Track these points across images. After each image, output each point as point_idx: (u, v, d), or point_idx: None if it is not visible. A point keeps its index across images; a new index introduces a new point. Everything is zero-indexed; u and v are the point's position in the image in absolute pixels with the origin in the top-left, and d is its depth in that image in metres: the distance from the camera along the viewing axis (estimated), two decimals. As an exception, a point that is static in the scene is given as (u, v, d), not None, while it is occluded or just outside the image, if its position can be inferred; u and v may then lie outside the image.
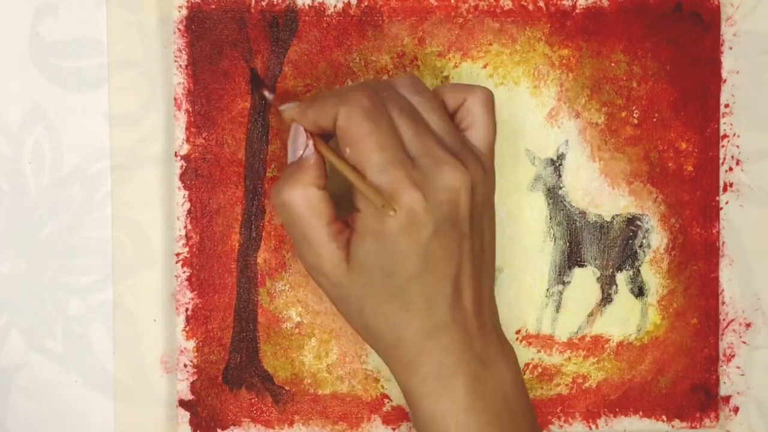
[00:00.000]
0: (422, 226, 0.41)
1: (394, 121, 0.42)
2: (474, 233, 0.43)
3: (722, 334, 0.52)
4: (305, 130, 0.43)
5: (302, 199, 0.42)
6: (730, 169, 0.52)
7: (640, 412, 0.51)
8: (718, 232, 0.51)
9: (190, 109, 0.50)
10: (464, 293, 0.43)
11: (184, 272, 0.50)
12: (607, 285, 0.51)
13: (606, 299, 0.51)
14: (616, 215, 0.51)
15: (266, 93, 0.48)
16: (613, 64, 0.51)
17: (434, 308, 0.42)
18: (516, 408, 0.44)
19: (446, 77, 0.50)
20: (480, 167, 0.43)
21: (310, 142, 0.43)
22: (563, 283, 0.51)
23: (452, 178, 0.41)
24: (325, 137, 0.44)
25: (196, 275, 0.50)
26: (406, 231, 0.41)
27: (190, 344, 0.50)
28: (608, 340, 0.51)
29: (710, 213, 0.51)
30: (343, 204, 0.43)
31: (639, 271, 0.52)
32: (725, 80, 0.51)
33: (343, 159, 0.42)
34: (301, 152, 0.43)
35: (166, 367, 0.50)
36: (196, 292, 0.50)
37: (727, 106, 0.51)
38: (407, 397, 0.44)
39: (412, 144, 0.42)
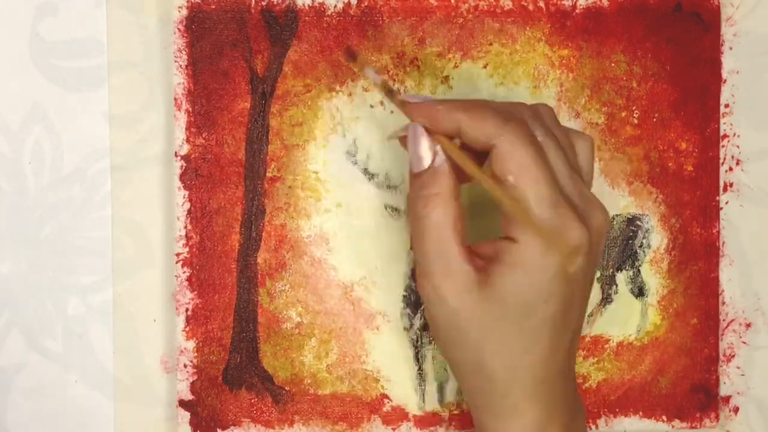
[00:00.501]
0: (578, 266, 0.39)
1: (548, 156, 0.39)
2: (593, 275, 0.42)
3: (722, 334, 0.52)
4: (426, 131, 0.39)
5: (443, 214, 0.39)
6: (730, 169, 0.52)
7: (640, 413, 0.51)
8: (718, 232, 0.51)
9: (190, 109, 0.50)
10: (575, 343, 0.41)
11: (184, 272, 0.50)
12: (607, 285, 0.51)
13: (606, 299, 0.51)
14: (616, 215, 0.51)
15: (371, 73, 0.41)
16: (613, 64, 0.51)
17: (555, 355, 0.40)
18: None
19: (446, 77, 0.50)
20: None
21: (439, 148, 0.39)
22: (563, 283, 0.51)
23: (601, 221, 0.40)
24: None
25: (196, 275, 0.50)
26: (563, 270, 0.38)
27: (190, 344, 0.50)
28: (608, 340, 0.51)
29: (710, 213, 0.51)
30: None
31: (639, 271, 0.52)
32: (725, 80, 0.51)
33: (498, 179, 0.38)
34: (431, 160, 0.39)
35: (166, 367, 0.50)
36: (196, 292, 0.50)
37: (727, 106, 0.51)
38: None
39: (565, 182, 0.39)
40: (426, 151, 0.39)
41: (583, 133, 0.43)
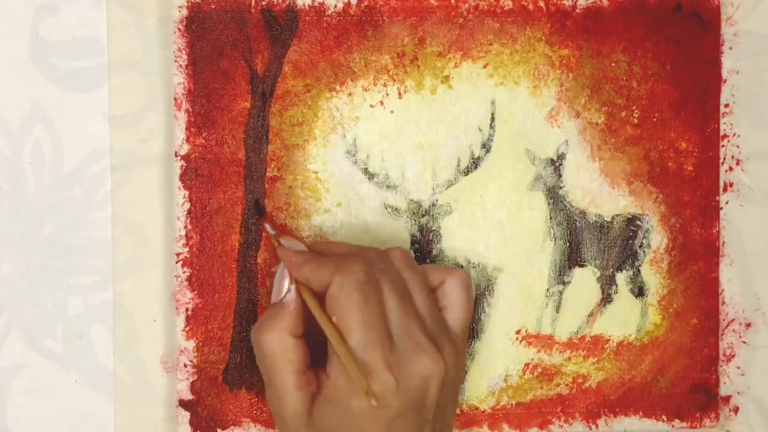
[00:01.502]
0: (388, 408, 0.41)
1: (384, 297, 0.43)
2: (436, 419, 0.43)
3: (722, 334, 0.52)
4: (290, 275, 0.44)
5: (275, 344, 0.43)
6: (730, 169, 0.52)
7: (640, 412, 0.51)
8: (718, 232, 0.51)
9: (190, 109, 0.50)
10: None
11: (184, 272, 0.50)
12: (607, 285, 0.51)
13: (606, 299, 0.51)
14: (616, 215, 0.51)
15: (267, 227, 0.48)
16: (613, 64, 0.51)
17: None
18: None
19: (446, 77, 0.50)
20: (455, 354, 0.44)
21: (293, 287, 0.44)
22: (563, 283, 0.51)
23: (427, 367, 0.42)
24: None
25: (196, 275, 0.50)
26: (371, 411, 0.41)
27: (190, 344, 0.50)
28: (608, 340, 0.51)
29: (710, 213, 0.51)
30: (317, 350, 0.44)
31: (639, 271, 0.52)
32: (725, 80, 0.51)
33: (330, 320, 0.42)
34: (283, 295, 0.44)
35: (166, 367, 0.50)
36: (196, 292, 0.50)
37: (727, 106, 0.51)
38: None
39: (396, 325, 0.42)
40: (283, 289, 0.44)
41: (454, 268, 0.46)
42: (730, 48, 0.51)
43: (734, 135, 0.52)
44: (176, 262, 0.50)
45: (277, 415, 0.44)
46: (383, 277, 0.43)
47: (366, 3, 0.50)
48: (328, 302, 0.43)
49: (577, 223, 0.51)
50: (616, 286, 0.51)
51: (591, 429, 0.51)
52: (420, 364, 0.42)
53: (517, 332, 0.51)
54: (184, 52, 0.49)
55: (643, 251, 0.51)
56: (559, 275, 0.51)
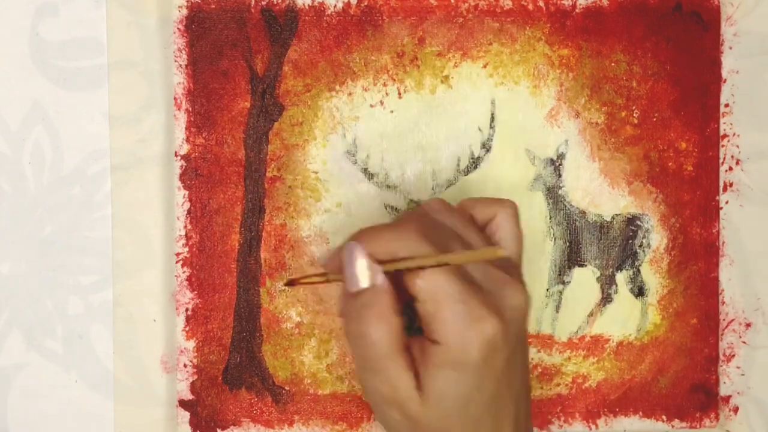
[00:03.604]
0: (500, 351, 0.40)
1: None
2: (528, 347, 0.43)
3: (722, 334, 0.52)
4: (367, 255, 0.41)
5: (384, 328, 0.40)
6: (730, 169, 0.52)
7: (640, 412, 0.51)
8: (718, 232, 0.51)
9: (190, 109, 0.50)
10: (521, 410, 0.42)
11: (184, 272, 0.50)
12: (607, 285, 0.51)
13: (606, 299, 0.51)
14: (616, 215, 0.51)
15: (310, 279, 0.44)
16: (613, 64, 0.51)
17: (501, 429, 0.41)
18: None
19: (446, 77, 0.50)
20: (524, 283, 0.43)
21: (380, 268, 0.41)
22: (563, 283, 0.51)
23: (518, 298, 0.41)
24: None
25: (196, 275, 0.50)
26: (487, 358, 0.40)
27: (190, 344, 0.50)
28: (608, 340, 0.51)
29: (710, 213, 0.51)
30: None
31: (639, 271, 0.52)
32: (725, 80, 0.51)
33: (439, 253, 0.40)
34: (368, 281, 0.41)
35: (166, 367, 0.50)
36: (196, 292, 0.50)
37: (727, 106, 0.51)
38: None
39: (472, 269, 0.41)
40: (364, 271, 0.41)
41: (501, 200, 0.44)
42: (730, 48, 0.51)
43: (734, 135, 0.52)
44: (176, 262, 0.50)
45: (387, 403, 0.41)
46: (436, 231, 0.41)
47: (366, 3, 0.50)
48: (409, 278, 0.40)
49: (577, 223, 0.51)
50: (616, 286, 0.51)
51: (591, 429, 0.51)
52: (511, 297, 0.41)
53: (517, 332, 0.51)
54: (184, 52, 0.49)
55: (643, 251, 0.51)
56: (559, 275, 0.51)
